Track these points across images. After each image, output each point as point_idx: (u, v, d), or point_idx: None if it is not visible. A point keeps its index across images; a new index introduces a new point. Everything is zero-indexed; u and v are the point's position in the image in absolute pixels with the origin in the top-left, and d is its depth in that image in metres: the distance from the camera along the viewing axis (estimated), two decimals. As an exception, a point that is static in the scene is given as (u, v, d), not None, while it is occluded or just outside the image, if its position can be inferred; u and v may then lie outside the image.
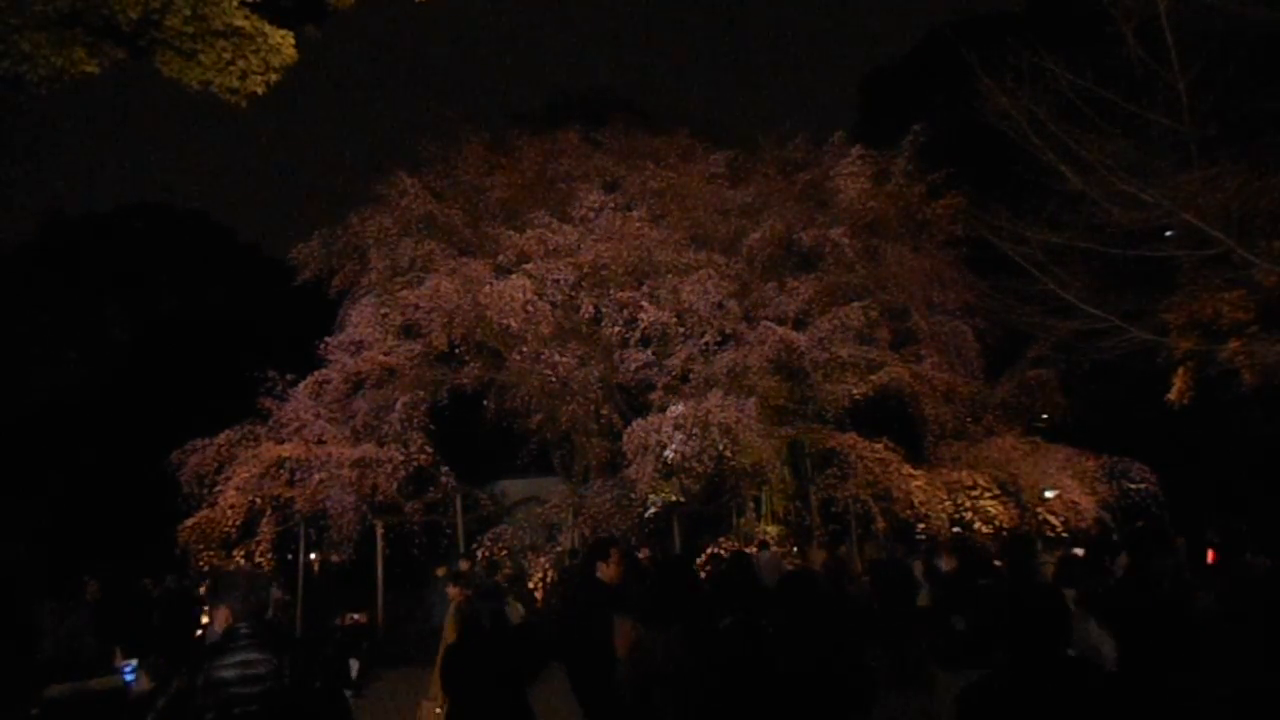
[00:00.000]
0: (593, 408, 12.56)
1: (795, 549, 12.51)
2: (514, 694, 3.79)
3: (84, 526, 19.53)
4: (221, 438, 11.39)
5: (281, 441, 11.24)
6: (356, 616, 11.15)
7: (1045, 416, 13.49)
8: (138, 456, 16.02)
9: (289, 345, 12.95)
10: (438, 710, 4.76)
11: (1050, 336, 11.68)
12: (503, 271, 12.26)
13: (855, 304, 12.20)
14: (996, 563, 9.01)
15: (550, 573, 11.94)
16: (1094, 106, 9.44)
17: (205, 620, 10.56)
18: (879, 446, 11.53)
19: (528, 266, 12.10)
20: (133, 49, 5.86)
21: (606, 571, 4.07)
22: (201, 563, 11.12)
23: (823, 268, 13.20)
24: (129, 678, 3.52)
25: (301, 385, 11.88)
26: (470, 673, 3.86)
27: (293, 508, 11.28)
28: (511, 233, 12.73)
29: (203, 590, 11.50)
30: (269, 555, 11.37)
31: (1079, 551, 6.32)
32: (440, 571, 9.52)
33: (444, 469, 12.22)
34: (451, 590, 6.63)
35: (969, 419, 12.81)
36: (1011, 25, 13.28)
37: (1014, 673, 2.21)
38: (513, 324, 11.67)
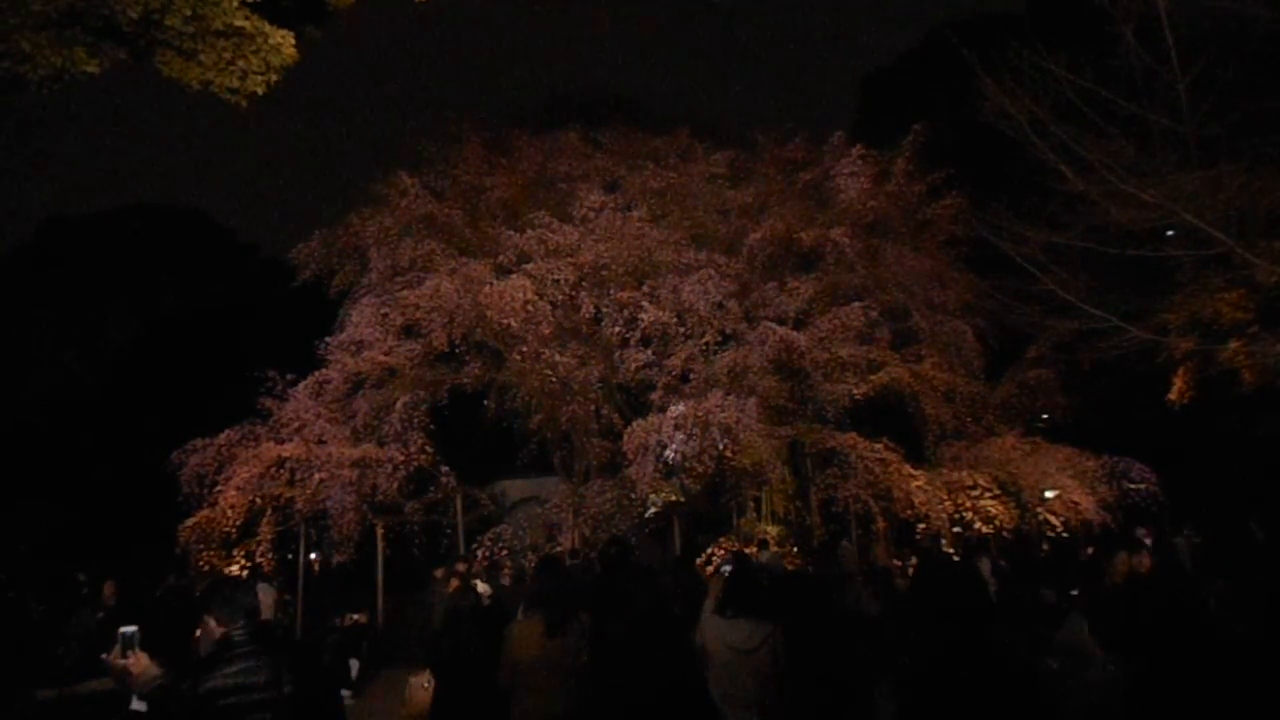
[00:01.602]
0: (593, 408, 12.55)
1: (796, 549, 12.51)
2: (487, 672, 3.98)
3: (84, 526, 19.53)
4: (222, 438, 11.37)
5: (282, 441, 11.23)
6: (356, 617, 11.14)
7: (1045, 416, 13.49)
8: (137, 456, 16.04)
9: (289, 345, 12.94)
10: (425, 686, 4.99)
11: (1050, 336, 11.71)
12: (503, 271, 12.24)
13: (855, 304, 12.20)
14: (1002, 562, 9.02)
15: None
16: (1094, 106, 9.46)
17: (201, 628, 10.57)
18: (879, 446, 11.52)
19: (528, 266, 12.09)
20: (133, 49, 5.85)
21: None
22: (202, 562, 11.11)
23: (823, 268, 13.20)
24: (127, 640, 3.52)
25: (302, 385, 11.86)
26: (451, 655, 4.24)
27: (293, 508, 11.27)
28: (512, 233, 12.72)
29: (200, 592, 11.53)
30: (269, 555, 11.36)
31: (1090, 550, 6.37)
32: (439, 573, 9.53)
33: (444, 469, 12.20)
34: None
35: (969, 419, 12.80)
36: (1011, 25, 13.30)
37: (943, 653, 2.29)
38: (513, 324, 11.65)
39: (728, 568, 5.01)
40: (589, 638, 3.81)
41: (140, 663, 2.95)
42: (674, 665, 3.55)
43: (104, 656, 3.32)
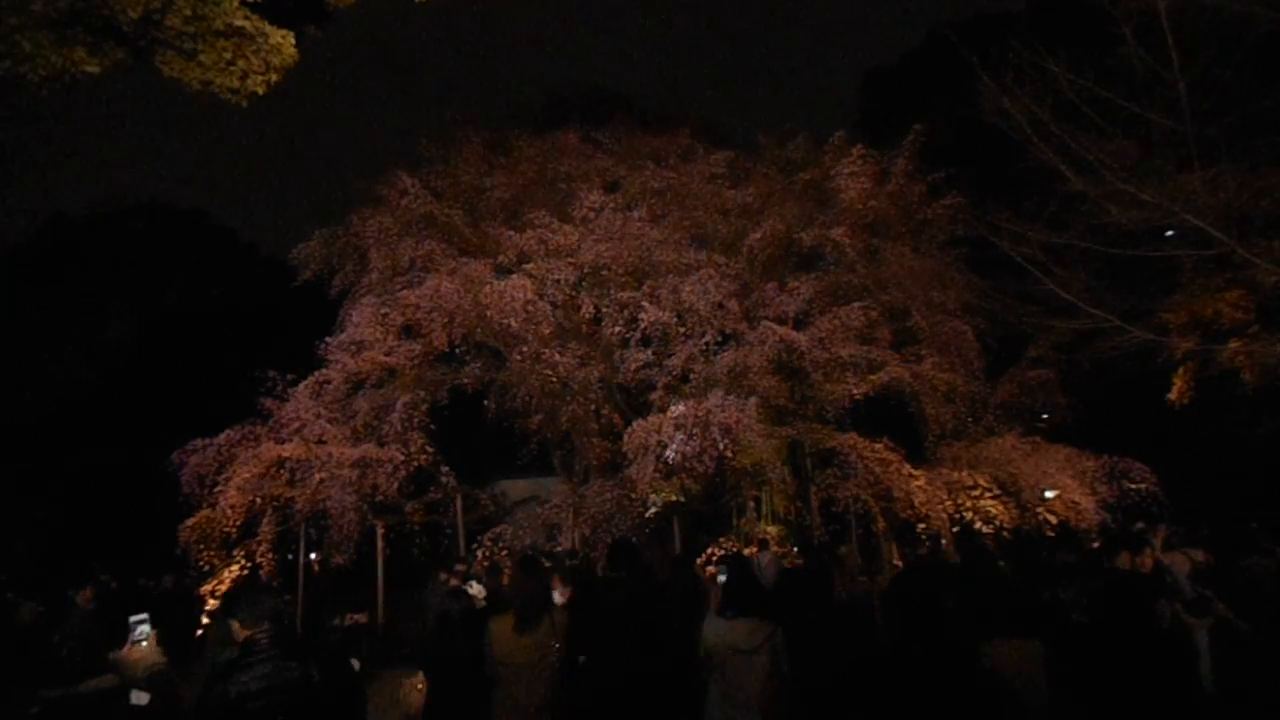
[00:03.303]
0: (593, 408, 12.55)
1: (796, 549, 12.51)
2: (476, 672, 4.16)
3: (84, 526, 19.53)
4: (222, 438, 11.37)
5: (282, 441, 11.23)
6: (357, 617, 11.11)
7: (1045, 416, 13.48)
8: (138, 456, 16.04)
9: (289, 345, 12.95)
10: (418, 687, 5.06)
11: (1050, 336, 11.69)
12: (503, 271, 12.25)
13: (856, 304, 12.19)
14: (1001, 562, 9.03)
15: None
16: (1094, 106, 9.45)
17: (205, 622, 10.54)
18: (879, 446, 11.52)
19: (528, 266, 12.09)
20: (133, 49, 5.85)
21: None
22: (202, 563, 11.11)
23: (823, 268, 13.21)
24: (139, 631, 3.55)
25: (302, 385, 11.85)
26: (440, 657, 4.40)
27: (293, 508, 11.27)
28: (512, 233, 12.73)
29: (202, 591, 11.52)
30: (269, 555, 11.36)
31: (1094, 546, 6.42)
32: (444, 575, 9.53)
33: (444, 469, 12.21)
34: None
35: (969, 419, 12.80)
36: (1012, 25, 13.27)
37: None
38: (513, 324, 11.65)
39: (722, 577, 5.06)
40: (562, 631, 4.02)
41: (150, 646, 2.96)
42: (656, 659, 3.61)
43: (113, 655, 3.31)
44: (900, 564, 11.15)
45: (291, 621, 11.15)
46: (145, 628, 3.59)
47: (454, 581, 8.43)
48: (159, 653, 3.45)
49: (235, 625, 2.82)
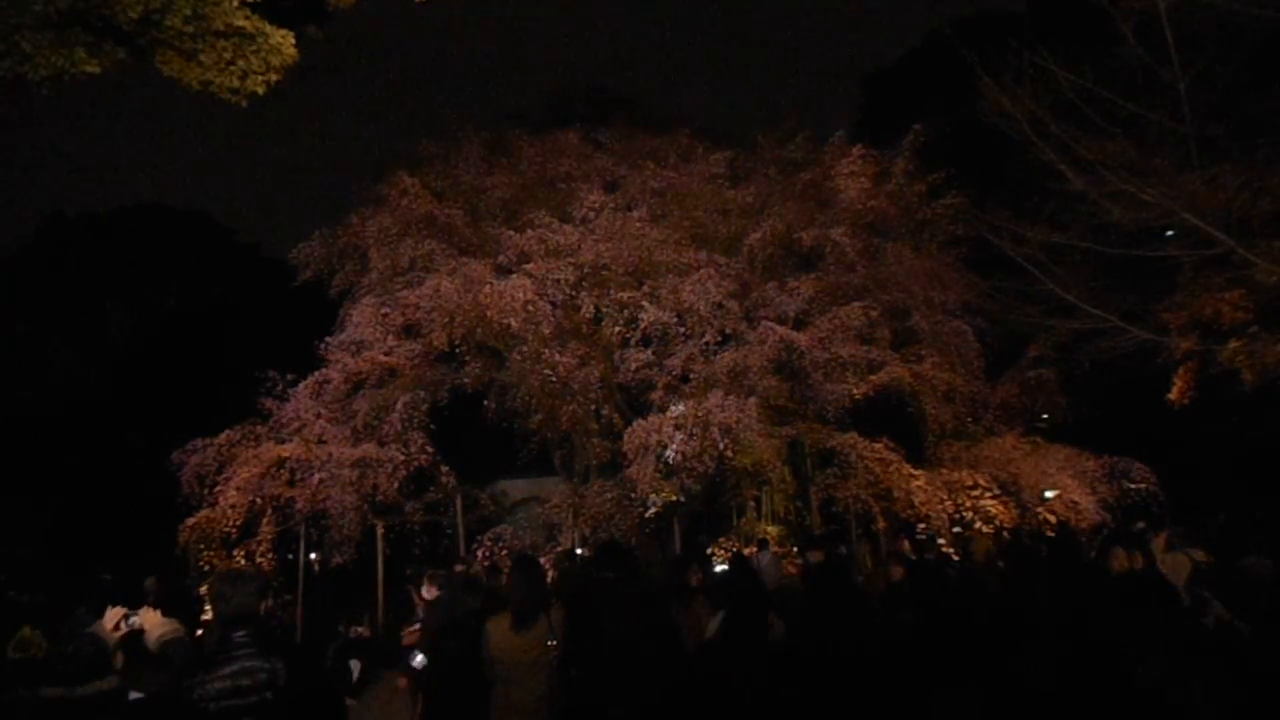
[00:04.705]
0: (593, 408, 12.55)
1: (796, 549, 12.51)
2: (476, 671, 4.16)
3: (84, 526, 19.54)
4: (222, 438, 11.37)
5: (282, 441, 11.24)
6: (360, 630, 11.09)
7: (1045, 416, 13.48)
8: (138, 456, 16.05)
9: (289, 345, 12.94)
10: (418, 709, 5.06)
11: (1050, 336, 11.70)
12: (503, 271, 12.25)
13: (856, 304, 12.19)
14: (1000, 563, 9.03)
15: (550, 573, 11.93)
16: (1094, 106, 9.45)
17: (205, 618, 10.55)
18: (879, 446, 11.52)
19: (528, 266, 12.09)
20: (133, 49, 5.86)
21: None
22: (202, 563, 11.11)
23: (823, 267, 13.20)
24: (133, 620, 3.55)
25: (302, 385, 11.85)
26: (439, 653, 4.44)
27: (293, 508, 11.27)
28: (512, 233, 12.73)
29: (202, 590, 11.53)
30: (269, 555, 11.36)
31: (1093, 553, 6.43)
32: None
33: (444, 469, 12.20)
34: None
35: (969, 419, 12.80)
36: (1012, 25, 13.28)
37: None
38: (513, 324, 11.66)
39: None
40: (560, 630, 4.03)
41: (151, 620, 2.94)
42: (653, 657, 3.64)
43: (101, 621, 3.27)
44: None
45: (293, 622, 11.18)
46: (135, 618, 3.58)
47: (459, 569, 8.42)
48: (166, 622, 3.42)
49: (212, 616, 2.82)
